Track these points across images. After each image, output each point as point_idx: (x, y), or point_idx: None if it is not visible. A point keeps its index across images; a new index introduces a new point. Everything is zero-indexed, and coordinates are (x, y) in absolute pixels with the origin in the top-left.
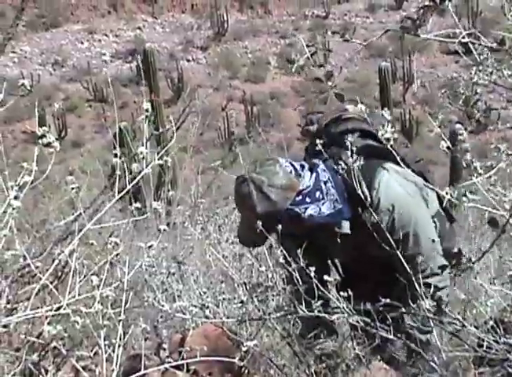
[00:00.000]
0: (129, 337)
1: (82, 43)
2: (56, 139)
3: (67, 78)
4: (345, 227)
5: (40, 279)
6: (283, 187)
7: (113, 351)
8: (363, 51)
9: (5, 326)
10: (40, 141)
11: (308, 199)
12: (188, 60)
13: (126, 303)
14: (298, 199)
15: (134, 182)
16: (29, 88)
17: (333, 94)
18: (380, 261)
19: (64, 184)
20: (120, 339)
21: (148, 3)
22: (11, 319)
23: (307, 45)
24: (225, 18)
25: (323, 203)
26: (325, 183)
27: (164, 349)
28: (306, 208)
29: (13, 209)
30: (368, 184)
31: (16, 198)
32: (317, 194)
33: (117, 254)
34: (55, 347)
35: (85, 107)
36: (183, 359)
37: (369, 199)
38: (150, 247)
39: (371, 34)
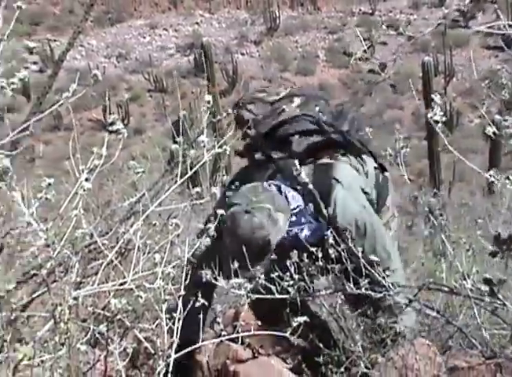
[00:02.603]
0: None
1: (144, 37)
2: None
3: (130, 70)
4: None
5: (106, 256)
6: (284, 209)
7: (173, 324)
8: (408, 46)
9: (74, 298)
10: (110, 128)
11: (303, 219)
12: (242, 54)
13: (185, 280)
14: (292, 220)
15: (195, 169)
16: (100, 79)
17: (388, 84)
18: None
19: (126, 168)
20: (179, 313)
21: (205, 0)
22: (80, 292)
23: (364, 39)
24: (277, 14)
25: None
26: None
27: (218, 323)
28: (302, 229)
29: (84, 190)
30: (324, 202)
31: (86, 180)
32: (308, 214)
33: (178, 235)
34: (120, 319)
35: (147, 97)
36: (237, 332)
37: (326, 215)
38: (208, 229)
39: (415, 29)
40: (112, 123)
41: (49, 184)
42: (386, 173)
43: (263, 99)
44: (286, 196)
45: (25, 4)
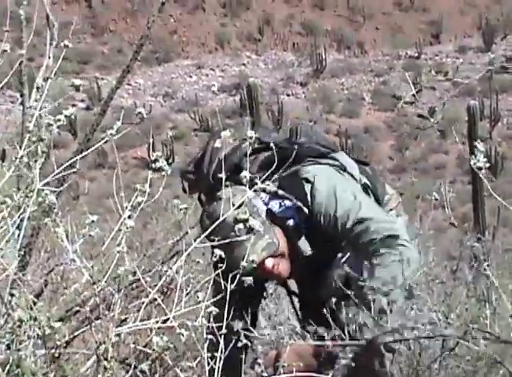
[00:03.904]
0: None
1: (190, 77)
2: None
3: (176, 109)
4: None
5: (148, 294)
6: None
7: (214, 363)
8: (453, 90)
9: (117, 335)
10: (153, 165)
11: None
12: (288, 95)
13: (227, 319)
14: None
15: (238, 204)
16: (145, 116)
17: (435, 130)
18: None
19: (170, 207)
20: (221, 352)
21: (252, 41)
22: (122, 329)
23: (413, 83)
24: (324, 57)
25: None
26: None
27: (259, 364)
28: (267, 204)
29: (127, 228)
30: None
31: (129, 217)
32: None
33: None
34: (161, 358)
35: (192, 136)
36: (278, 374)
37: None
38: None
39: (461, 74)
40: (156, 160)
41: (93, 221)
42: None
43: (195, 158)
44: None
45: (74, 43)
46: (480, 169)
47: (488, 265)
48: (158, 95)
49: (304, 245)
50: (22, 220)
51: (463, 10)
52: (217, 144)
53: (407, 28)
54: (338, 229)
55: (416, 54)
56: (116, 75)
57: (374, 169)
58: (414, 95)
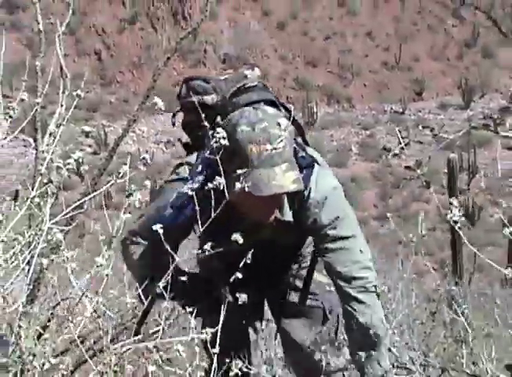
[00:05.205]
0: None
1: None
2: None
3: (177, 156)
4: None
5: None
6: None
7: None
8: (435, 144)
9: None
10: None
11: None
12: None
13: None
14: None
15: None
16: (149, 162)
17: (423, 182)
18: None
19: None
20: None
21: None
22: (118, 349)
23: (402, 137)
24: (315, 110)
25: None
26: None
27: None
28: None
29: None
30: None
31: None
32: None
33: None
34: None
35: None
36: None
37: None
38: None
39: (443, 129)
40: (130, 195)
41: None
42: None
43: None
44: None
45: (84, 92)
46: (456, 222)
47: (465, 308)
48: (160, 142)
49: (287, 209)
50: (32, 256)
51: (445, 71)
52: (248, 73)
53: (393, 85)
54: (317, 227)
55: (401, 109)
56: (122, 123)
57: None
58: (402, 148)
